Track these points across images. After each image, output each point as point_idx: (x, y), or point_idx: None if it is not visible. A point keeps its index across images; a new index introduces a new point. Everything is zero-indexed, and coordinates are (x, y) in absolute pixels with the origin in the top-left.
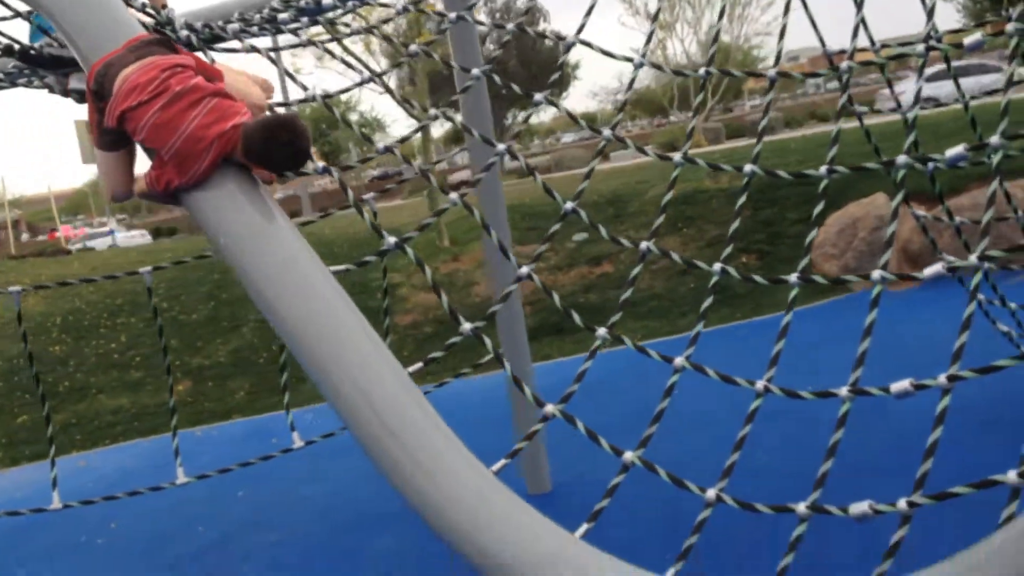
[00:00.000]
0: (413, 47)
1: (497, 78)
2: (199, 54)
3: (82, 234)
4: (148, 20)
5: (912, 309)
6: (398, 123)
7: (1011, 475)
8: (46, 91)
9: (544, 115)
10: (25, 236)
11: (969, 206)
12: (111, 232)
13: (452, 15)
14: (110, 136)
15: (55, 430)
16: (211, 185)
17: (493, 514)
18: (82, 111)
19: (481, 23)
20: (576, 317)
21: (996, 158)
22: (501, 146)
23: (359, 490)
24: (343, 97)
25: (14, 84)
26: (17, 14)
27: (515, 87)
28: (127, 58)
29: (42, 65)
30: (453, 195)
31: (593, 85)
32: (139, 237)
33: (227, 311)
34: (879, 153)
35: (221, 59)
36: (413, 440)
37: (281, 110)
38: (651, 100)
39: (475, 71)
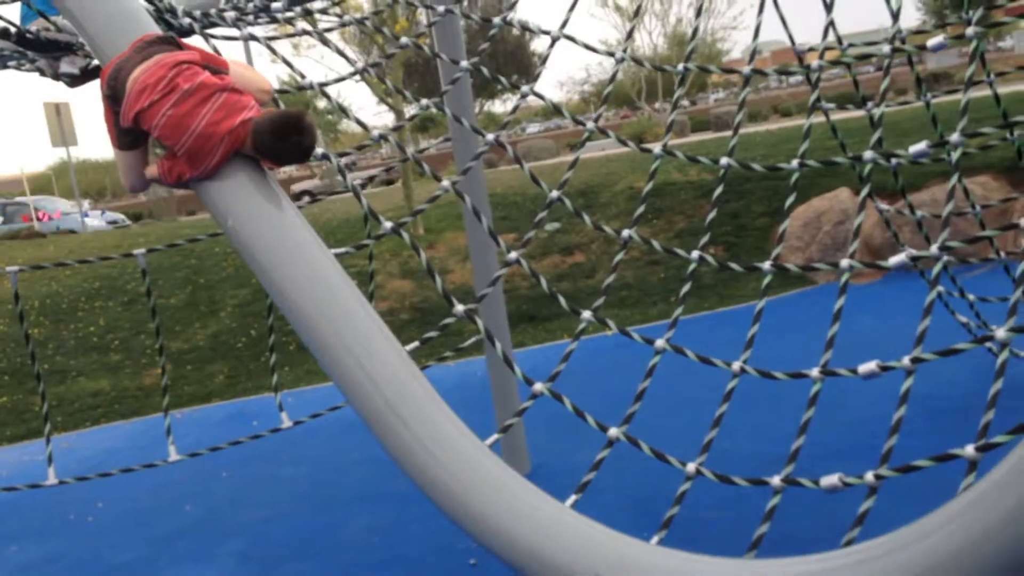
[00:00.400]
0: (404, 39)
1: (485, 70)
2: (203, 44)
3: (58, 217)
4: (148, 7)
5: (873, 301)
6: (363, 111)
7: (968, 449)
8: (36, 74)
9: (507, 105)
10: None
11: (929, 202)
12: (85, 215)
13: (441, 8)
14: (128, 136)
15: (37, 412)
16: (221, 175)
17: (490, 483)
18: (53, 93)
19: (470, 17)
20: (562, 301)
21: (956, 155)
22: (490, 135)
23: (337, 472)
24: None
25: (5, 66)
26: None
27: (502, 80)
28: (134, 59)
29: (36, 48)
30: (445, 182)
31: (560, 75)
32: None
33: (204, 296)
34: (845, 149)
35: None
36: (412, 413)
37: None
38: (619, 92)
39: (463, 63)
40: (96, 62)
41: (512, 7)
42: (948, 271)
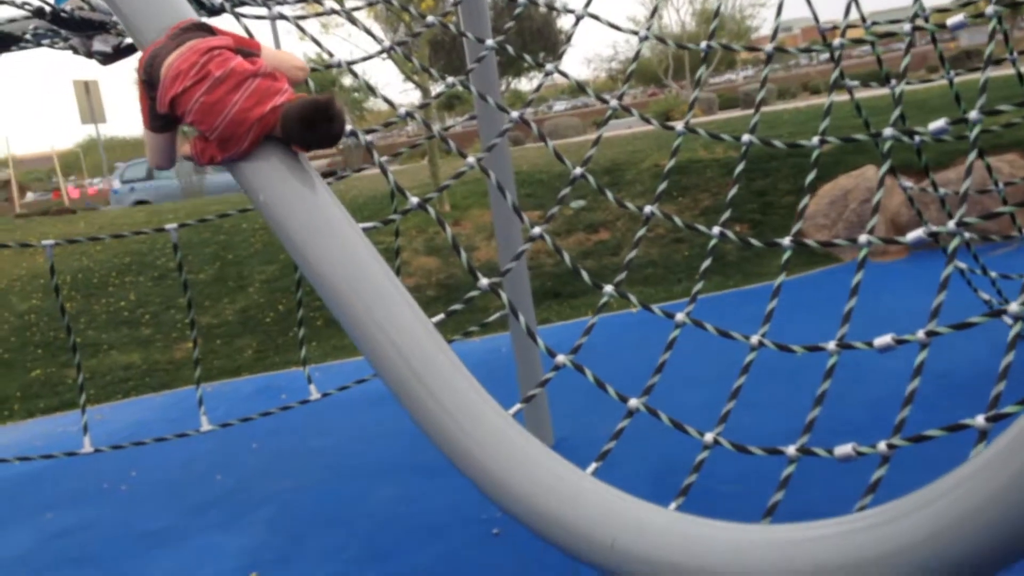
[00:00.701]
0: (430, 18)
1: (510, 48)
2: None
3: (94, 193)
4: None
5: (897, 278)
6: (389, 88)
7: (979, 419)
8: (69, 52)
9: (533, 83)
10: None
11: (955, 180)
12: (115, 191)
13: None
14: (161, 120)
15: (70, 384)
16: (253, 156)
17: (513, 452)
18: (83, 71)
19: None
20: (585, 275)
21: (974, 132)
22: (514, 113)
23: (363, 443)
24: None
25: (39, 44)
26: None
27: (526, 58)
28: (169, 46)
29: (70, 27)
30: (471, 159)
31: (587, 52)
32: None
33: (233, 271)
34: (868, 126)
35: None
36: (438, 384)
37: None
38: (646, 70)
39: (489, 42)
40: (128, 40)
41: None
42: (971, 249)
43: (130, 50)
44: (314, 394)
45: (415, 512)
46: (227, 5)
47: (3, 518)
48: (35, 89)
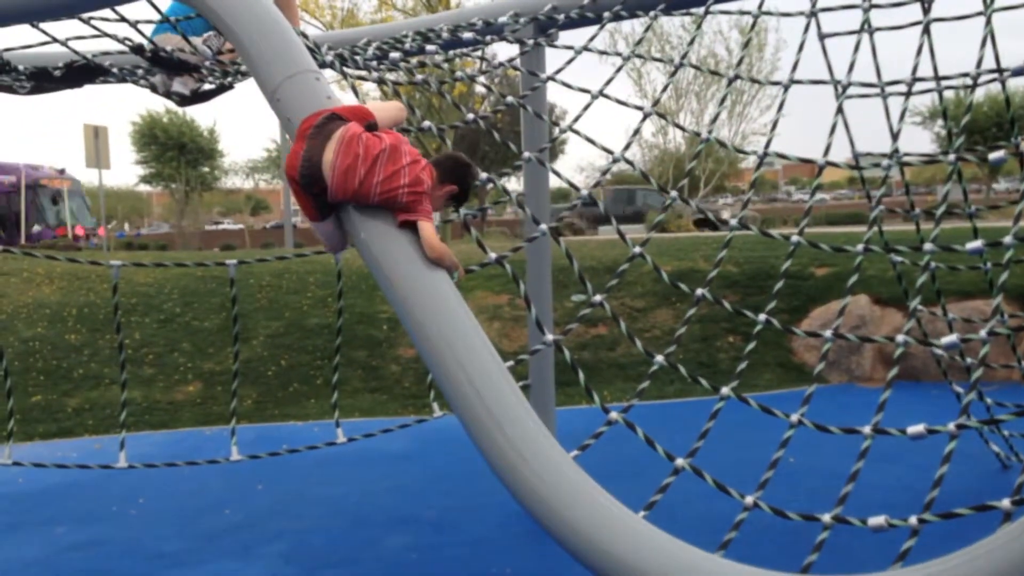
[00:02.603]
0: (510, 98)
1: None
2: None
3: (101, 234)
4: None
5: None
6: None
7: (1005, 502)
8: (148, 90)
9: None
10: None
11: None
12: (120, 235)
13: (509, 98)
14: (327, 210)
15: (69, 412)
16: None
17: (573, 489)
18: (88, 116)
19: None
20: (638, 343)
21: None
22: (543, 226)
23: (370, 495)
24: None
25: (123, 80)
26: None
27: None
28: (316, 145)
29: (165, 66)
30: (492, 255)
31: (580, 160)
32: None
33: (239, 322)
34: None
35: None
36: (512, 428)
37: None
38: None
39: (526, 154)
40: (208, 87)
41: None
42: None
43: (207, 95)
44: (340, 438)
45: (426, 561)
46: (337, 64)
47: (13, 527)
48: (39, 130)
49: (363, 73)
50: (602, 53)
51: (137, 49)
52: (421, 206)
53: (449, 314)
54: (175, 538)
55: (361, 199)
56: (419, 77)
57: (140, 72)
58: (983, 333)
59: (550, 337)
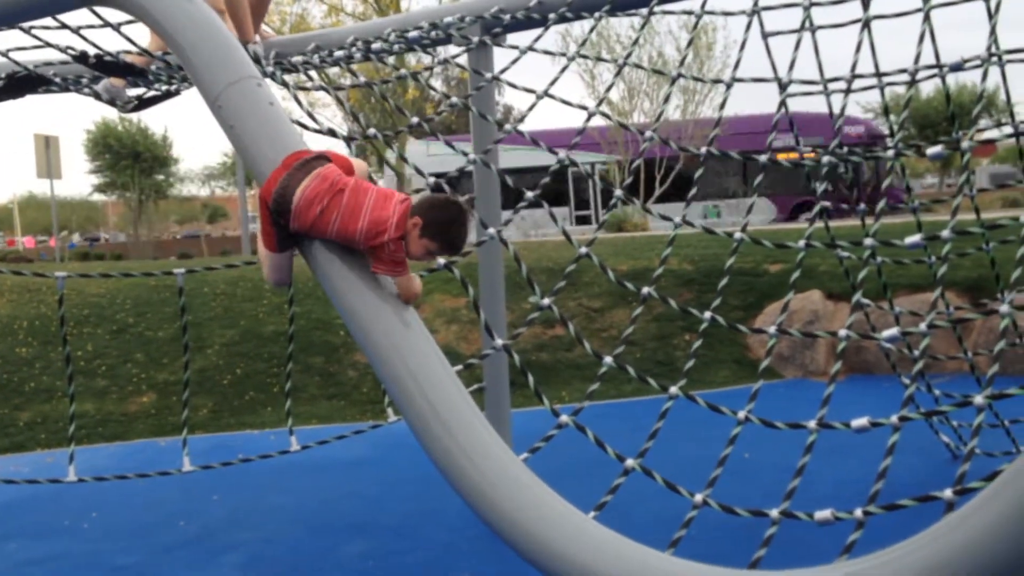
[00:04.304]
0: (455, 99)
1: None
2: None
3: (52, 245)
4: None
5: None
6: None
7: (948, 492)
8: (92, 98)
9: None
10: None
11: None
12: (71, 246)
13: (453, 99)
14: (288, 241)
15: (20, 427)
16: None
17: (523, 490)
18: (39, 126)
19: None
20: (587, 345)
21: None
22: (491, 230)
23: (326, 503)
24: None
25: (66, 90)
26: (106, 24)
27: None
28: (297, 176)
29: (111, 71)
30: (441, 260)
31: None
32: None
33: (192, 332)
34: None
35: None
36: (461, 432)
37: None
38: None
39: (471, 155)
40: (154, 93)
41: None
42: (925, 378)
43: (152, 101)
44: (294, 446)
45: (386, 567)
46: (278, 74)
47: None
48: None
49: (306, 83)
50: (547, 53)
51: (80, 57)
52: (386, 255)
53: (396, 320)
54: (132, 551)
55: (317, 233)
56: (362, 79)
57: (84, 81)
58: (923, 326)
59: (499, 342)
